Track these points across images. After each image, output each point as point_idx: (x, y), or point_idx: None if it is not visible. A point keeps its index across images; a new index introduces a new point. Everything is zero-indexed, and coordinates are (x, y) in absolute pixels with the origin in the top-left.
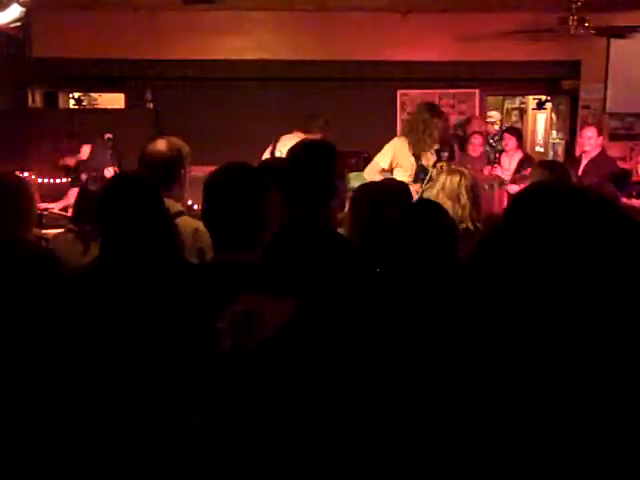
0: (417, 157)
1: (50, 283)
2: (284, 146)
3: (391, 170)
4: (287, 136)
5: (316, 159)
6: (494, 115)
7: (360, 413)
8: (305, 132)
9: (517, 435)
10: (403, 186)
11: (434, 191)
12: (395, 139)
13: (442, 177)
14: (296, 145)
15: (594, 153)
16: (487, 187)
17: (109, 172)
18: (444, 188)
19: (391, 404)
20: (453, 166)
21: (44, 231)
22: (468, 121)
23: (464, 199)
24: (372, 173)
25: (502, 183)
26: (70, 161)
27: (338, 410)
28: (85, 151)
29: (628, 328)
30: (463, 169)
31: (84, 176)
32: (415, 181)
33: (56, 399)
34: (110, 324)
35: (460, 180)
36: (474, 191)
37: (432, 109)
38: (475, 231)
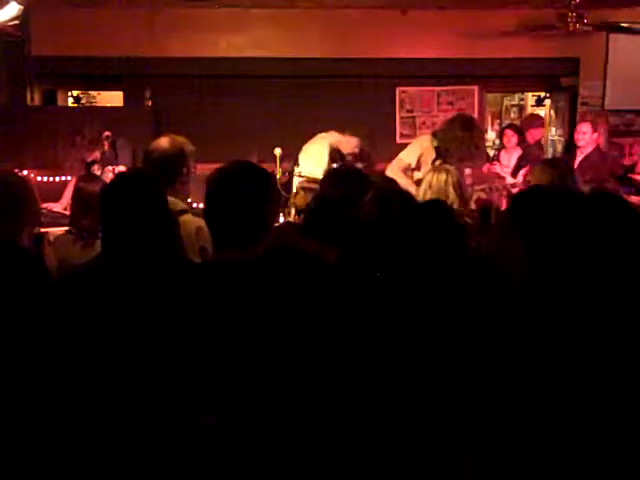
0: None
1: (36, 285)
2: (311, 144)
3: (417, 169)
4: (322, 134)
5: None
6: None
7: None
8: (341, 132)
9: (525, 434)
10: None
11: (421, 190)
12: (424, 137)
13: (428, 176)
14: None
15: (589, 149)
16: (487, 189)
17: (107, 171)
18: (431, 186)
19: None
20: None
21: (43, 230)
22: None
23: (452, 196)
24: (395, 169)
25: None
26: (97, 155)
27: (353, 410)
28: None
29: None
30: (449, 167)
31: (96, 168)
32: None
33: (53, 393)
34: (110, 321)
35: (447, 178)
36: (460, 187)
37: (464, 125)
38: (466, 225)
